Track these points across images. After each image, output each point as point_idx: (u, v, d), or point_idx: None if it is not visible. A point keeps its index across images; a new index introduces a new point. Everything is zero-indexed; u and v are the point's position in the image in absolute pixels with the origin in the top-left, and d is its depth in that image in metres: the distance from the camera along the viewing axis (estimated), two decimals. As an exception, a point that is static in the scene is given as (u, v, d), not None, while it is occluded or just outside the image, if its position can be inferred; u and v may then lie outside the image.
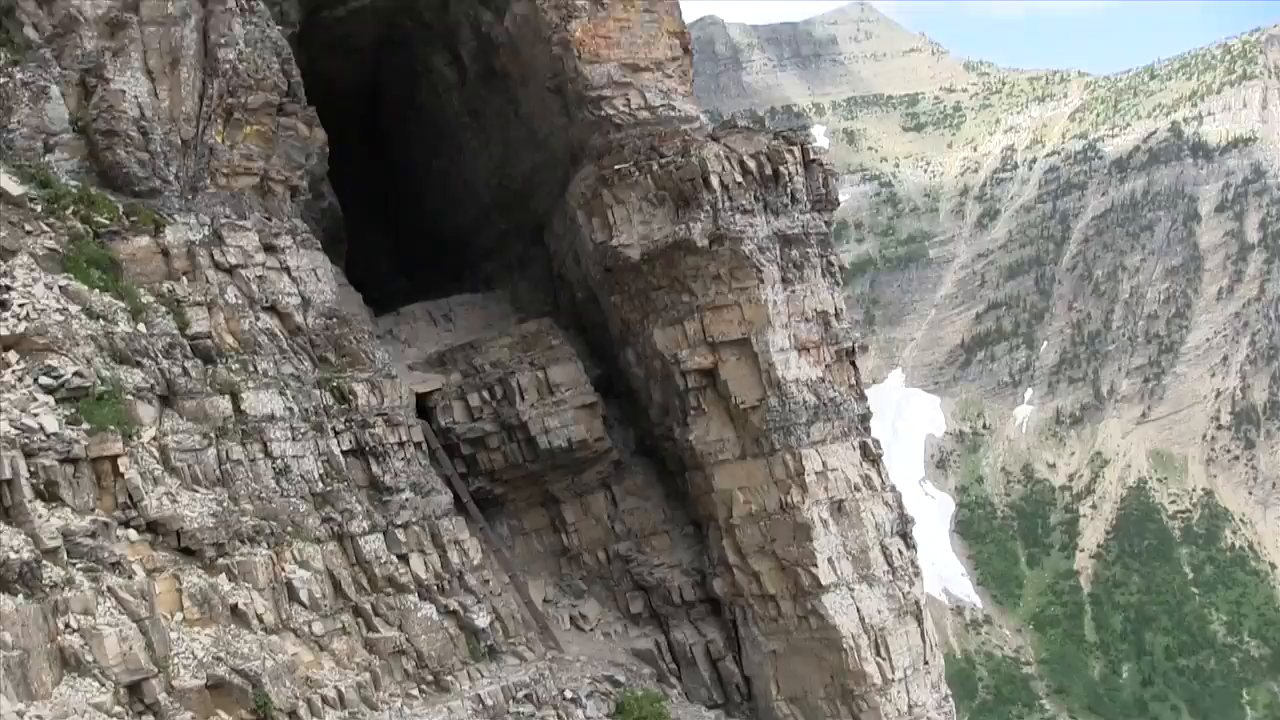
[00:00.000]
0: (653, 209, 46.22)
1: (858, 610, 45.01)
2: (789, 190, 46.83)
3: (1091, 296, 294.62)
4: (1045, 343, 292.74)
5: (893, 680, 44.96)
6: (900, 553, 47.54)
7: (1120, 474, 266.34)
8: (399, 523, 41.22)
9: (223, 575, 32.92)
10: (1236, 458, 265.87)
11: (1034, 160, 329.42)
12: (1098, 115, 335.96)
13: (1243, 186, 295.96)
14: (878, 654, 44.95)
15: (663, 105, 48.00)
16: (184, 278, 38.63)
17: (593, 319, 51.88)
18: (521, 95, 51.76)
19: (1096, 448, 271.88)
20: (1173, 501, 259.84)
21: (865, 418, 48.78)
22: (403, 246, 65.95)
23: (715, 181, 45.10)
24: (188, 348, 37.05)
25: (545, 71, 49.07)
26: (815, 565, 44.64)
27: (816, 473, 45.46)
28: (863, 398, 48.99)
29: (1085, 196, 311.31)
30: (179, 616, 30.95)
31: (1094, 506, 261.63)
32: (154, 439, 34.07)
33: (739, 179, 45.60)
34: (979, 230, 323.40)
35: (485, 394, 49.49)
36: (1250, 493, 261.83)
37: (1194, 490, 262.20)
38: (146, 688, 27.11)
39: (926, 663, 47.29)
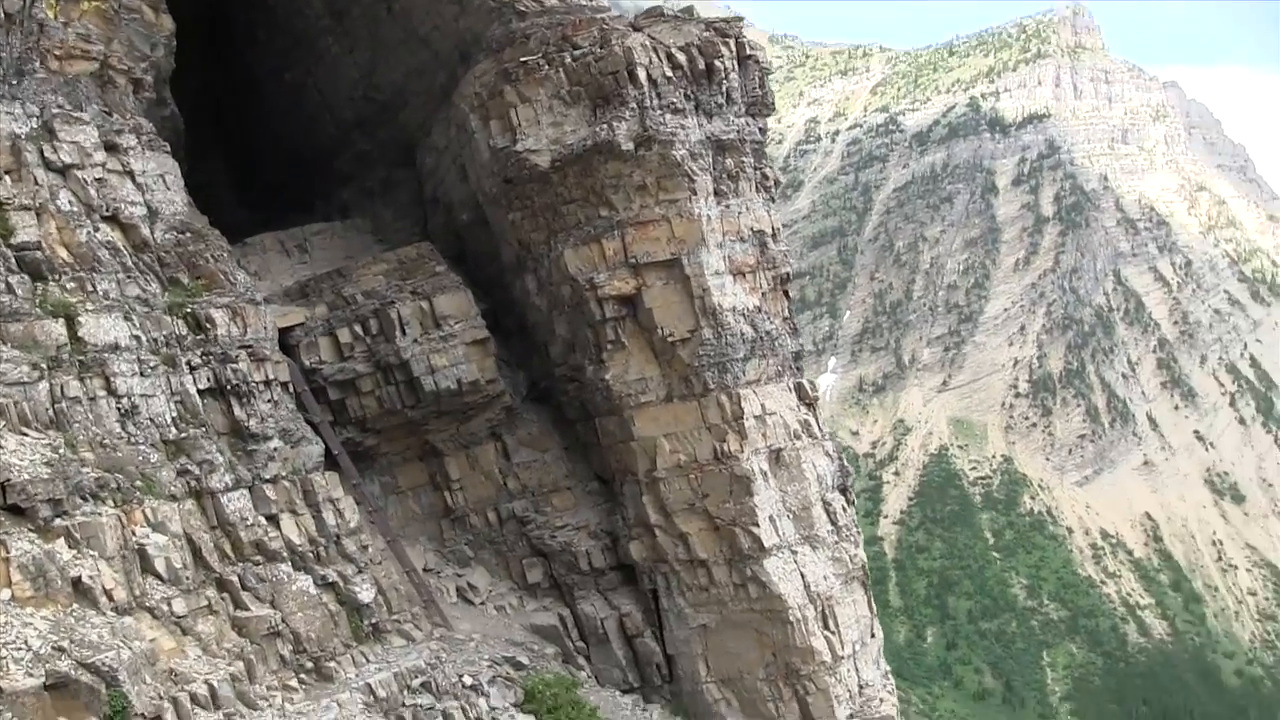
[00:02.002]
0: (565, 108, 38.60)
1: (802, 576, 38.33)
2: (724, 89, 39.52)
3: (893, 267, 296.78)
4: (848, 312, 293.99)
5: (843, 657, 38.39)
6: (843, 510, 41.24)
7: (922, 441, 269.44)
8: (267, 477, 34.04)
9: (61, 540, 25.52)
10: (1034, 425, 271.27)
11: (837, 133, 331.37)
12: (899, 90, 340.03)
13: (1038, 161, 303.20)
14: (825, 627, 38.34)
15: (574, -8, 40.34)
16: (7, 177, 30.74)
17: (478, 245, 44.15)
18: (397, -15, 43.56)
19: (899, 415, 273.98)
20: (973, 468, 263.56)
21: (799, 355, 42.09)
22: (244, 172, 56.81)
23: (642, 75, 37.57)
24: (12, 260, 29.40)
25: (433, -50, 40.98)
26: (756, 524, 37.71)
27: (755, 417, 38.55)
28: (795, 332, 42.15)
29: (886, 169, 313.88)
30: (7, 594, 23.58)
31: (897, 473, 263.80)
32: (-31, 369, 26.39)
33: (668, 74, 38.12)
34: (783, 201, 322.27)
35: (358, 328, 41.48)
36: (1047, 459, 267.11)
37: (994, 457, 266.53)
38: (-35, 691, 19.30)
39: (873, 635, 40.85)
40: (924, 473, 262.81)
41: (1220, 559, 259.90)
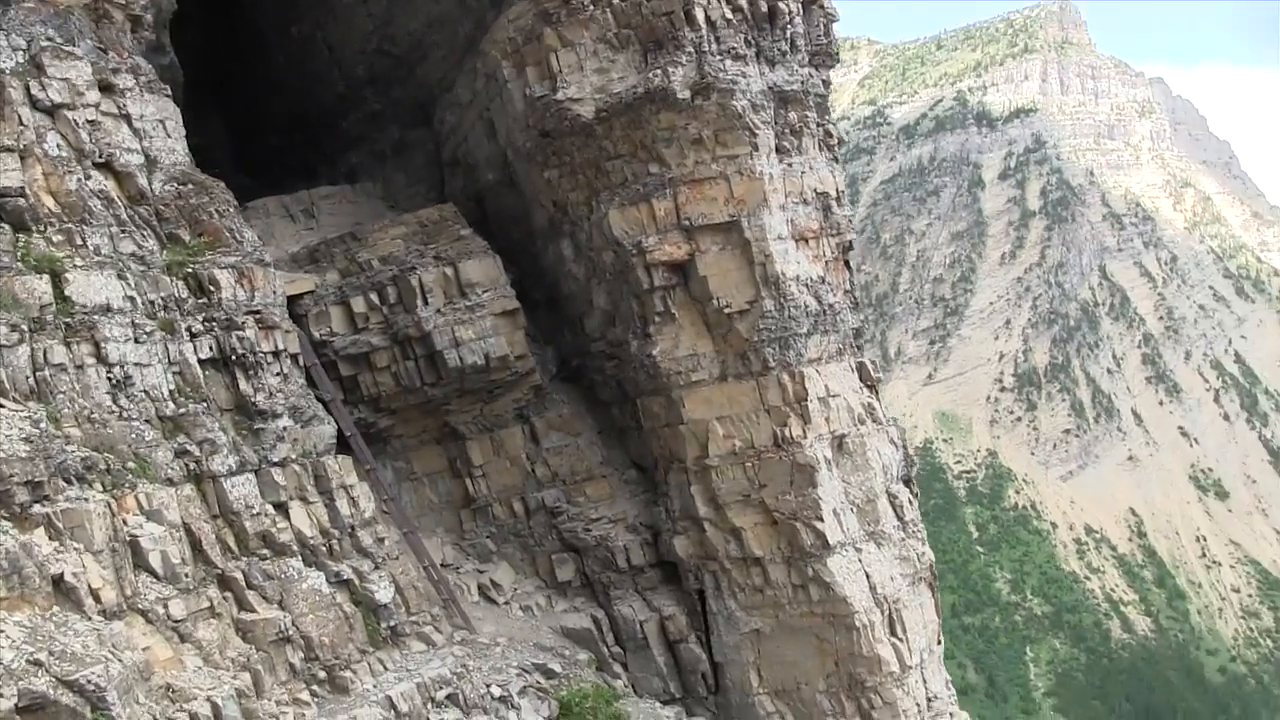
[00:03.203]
0: (613, 53, 33.93)
1: (868, 577, 33.95)
2: (787, 35, 35.02)
3: (879, 259, 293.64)
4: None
5: (911, 666, 34.04)
6: (909, 503, 36.88)
7: (907, 434, 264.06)
8: (275, 460, 29.77)
9: (40, 531, 21.33)
10: (1019, 419, 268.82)
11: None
12: (886, 83, 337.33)
13: (1024, 155, 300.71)
14: (893, 633, 34.01)
15: (620, -73, 35.77)
16: None
17: (503, 210, 39.77)
18: (420, -79, 39.20)
19: (884, 408, 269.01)
20: (958, 462, 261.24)
21: (859, 332, 37.74)
22: (244, 135, 52.30)
23: (700, 16, 33.05)
24: None
25: (464, -121, 36.59)
26: (820, 519, 33.28)
27: (819, 399, 34.22)
28: (857, 306, 37.78)
29: (874, 161, 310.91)
30: (-26, 595, 19.05)
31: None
32: (-62, 326, 22.38)
33: (728, 16, 33.57)
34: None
35: (374, 297, 36.98)
36: (1032, 453, 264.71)
37: (978, 451, 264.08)
38: (-79, 716, 15.36)
39: (939, 642, 36.58)
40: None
41: (1204, 555, 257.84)
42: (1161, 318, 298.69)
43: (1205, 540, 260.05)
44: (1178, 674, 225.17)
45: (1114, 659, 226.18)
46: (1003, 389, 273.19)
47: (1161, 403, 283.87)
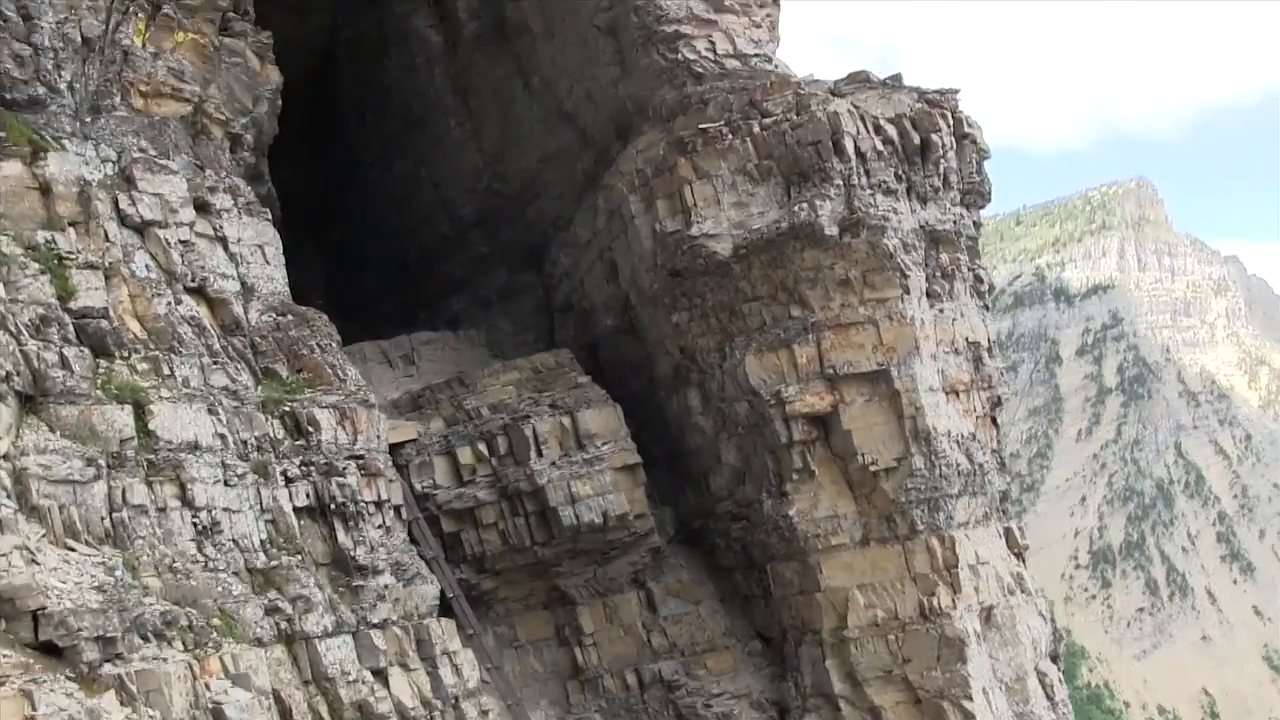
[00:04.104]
0: (752, 186, 31.09)
1: (1017, 767, 30.08)
2: (939, 170, 32.18)
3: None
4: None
5: None
6: (1059, 682, 33.64)
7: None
8: (374, 621, 26.52)
9: (110, 695, 17.81)
10: (1093, 597, 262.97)
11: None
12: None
13: (1101, 332, 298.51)
14: (1044, 834, 29.97)
15: (756, 55, 33.33)
16: (72, 229, 23.77)
17: (622, 358, 36.78)
18: (541, 55, 36.88)
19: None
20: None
21: (1006, 495, 34.34)
22: (339, 276, 49.99)
23: (850, 146, 30.17)
24: (70, 328, 22.27)
25: (593, 6, 34.11)
26: (969, 698, 29.76)
27: (969, 566, 30.84)
28: (1003, 467, 34.47)
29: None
30: (32, 770, 15.64)
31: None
32: (7, 457, 19.51)
33: (879, 147, 30.73)
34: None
35: (482, 447, 33.77)
36: (1106, 632, 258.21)
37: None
38: None
39: (1089, 844, 32.52)
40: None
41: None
42: (1236, 496, 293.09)
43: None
44: None
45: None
46: (1077, 566, 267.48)
47: (1235, 581, 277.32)
